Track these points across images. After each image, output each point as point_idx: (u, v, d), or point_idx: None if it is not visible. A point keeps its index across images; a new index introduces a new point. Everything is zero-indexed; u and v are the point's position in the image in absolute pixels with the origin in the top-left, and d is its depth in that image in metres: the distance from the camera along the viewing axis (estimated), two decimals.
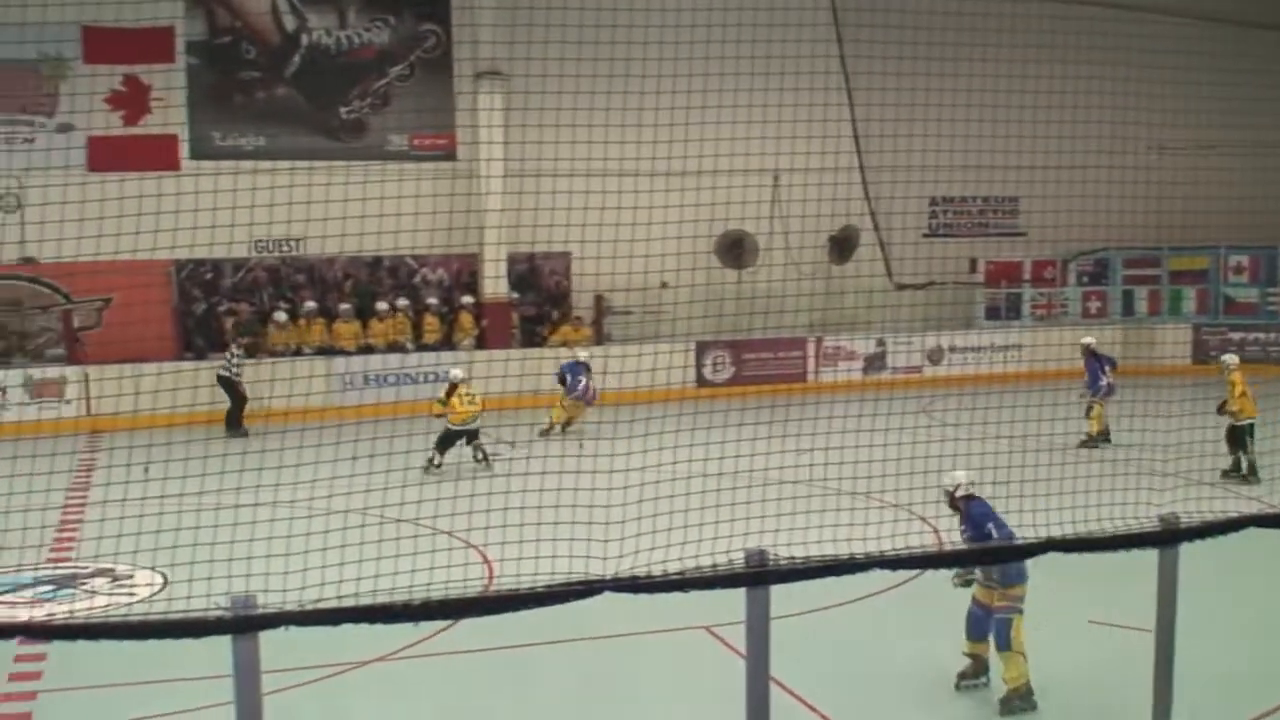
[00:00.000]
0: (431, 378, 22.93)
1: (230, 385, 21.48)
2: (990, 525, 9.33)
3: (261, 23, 25.00)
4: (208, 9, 24.59)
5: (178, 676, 9.09)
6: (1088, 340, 20.43)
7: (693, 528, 8.64)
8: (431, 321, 25.34)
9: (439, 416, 18.13)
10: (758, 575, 6.38)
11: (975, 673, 9.86)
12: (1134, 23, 22.33)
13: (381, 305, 24.96)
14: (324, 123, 25.29)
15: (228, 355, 21.99)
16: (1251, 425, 16.61)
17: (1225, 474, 16.35)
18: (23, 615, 11.16)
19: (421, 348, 24.76)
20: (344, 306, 24.81)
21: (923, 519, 12.22)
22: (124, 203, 11.64)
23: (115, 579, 12.57)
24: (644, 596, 6.10)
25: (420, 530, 12.14)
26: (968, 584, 9.30)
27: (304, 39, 25.19)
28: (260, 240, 23.98)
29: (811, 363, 26.62)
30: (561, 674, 10.47)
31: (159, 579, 12.10)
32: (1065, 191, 22.52)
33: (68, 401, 22.26)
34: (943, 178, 26.96)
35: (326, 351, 24.17)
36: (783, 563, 6.41)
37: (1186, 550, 7.04)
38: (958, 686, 9.79)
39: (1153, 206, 25.98)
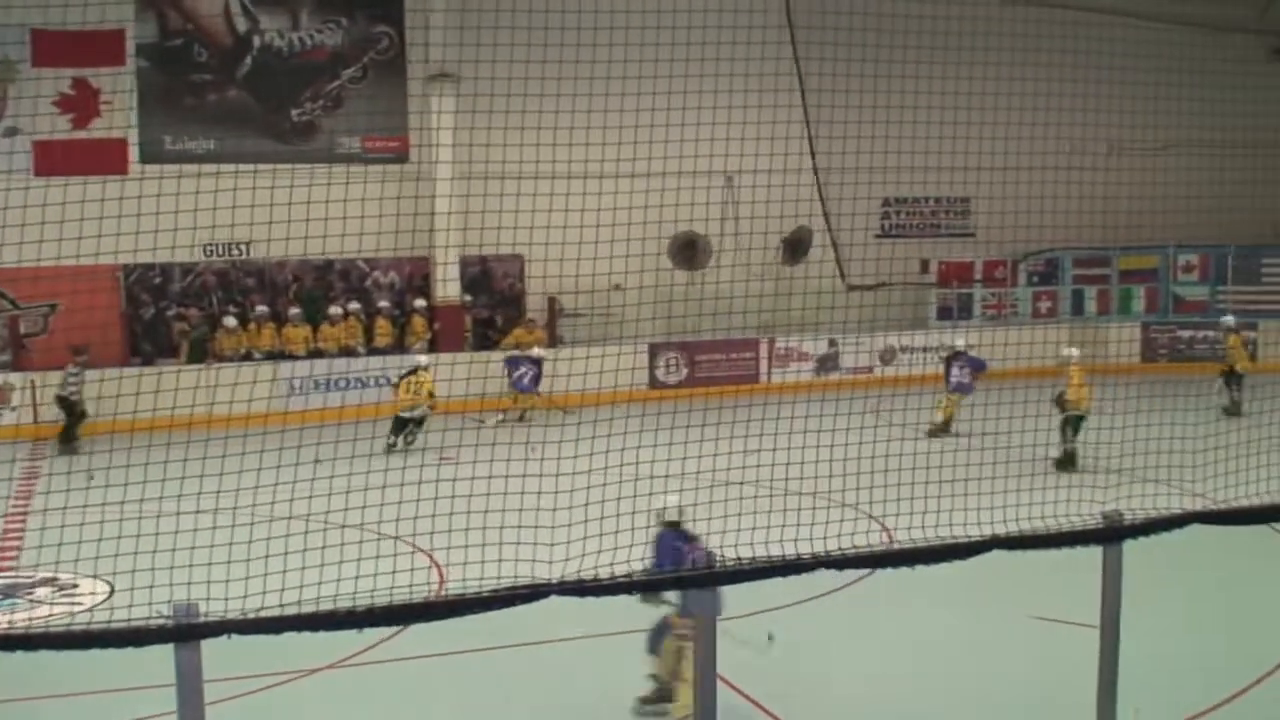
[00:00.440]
0: (383, 381, 22.85)
1: (68, 404, 20.72)
2: (667, 562, 9.45)
3: (213, 25, 24.83)
4: (159, 11, 24.40)
5: (122, 686, 9.01)
6: (959, 344, 22.01)
7: (642, 530, 8.63)
8: (383, 325, 25.24)
9: None
10: (705, 577, 6.41)
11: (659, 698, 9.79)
12: (1086, 25, 22.53)
13: (335, 310, 24.84)
14: (275, 125, 25.14)
15: (65, 373, 20.99)
16: (1081, 417, 17.74)
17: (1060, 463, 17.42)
18: None
19: (373, 351, 24.67)
20: (294, 311, 24.66)
21: (873, 518, 12.27)
22: (71, 207, 11.51)
23: (60, 588, 12.44)
24: (598, 599, 6.11)
25: (369, 536, 12.10)
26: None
27: (256, 41, 25.04)
28: (209, 244, 23.83)
29: (764, 364, 26.71)
30: (513, 678, 10.46)
31: (105, 587, 11.98)
32: (1016, 192, 22.65)
33: (13, 408, 22.04)
34: (895, 179, 27.10)
35: (277, 356, 24.02)
36: (729, 564, 6.44)
37: (1132, 546, 7.10)
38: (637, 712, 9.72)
39: (1102, 206, 26.26)
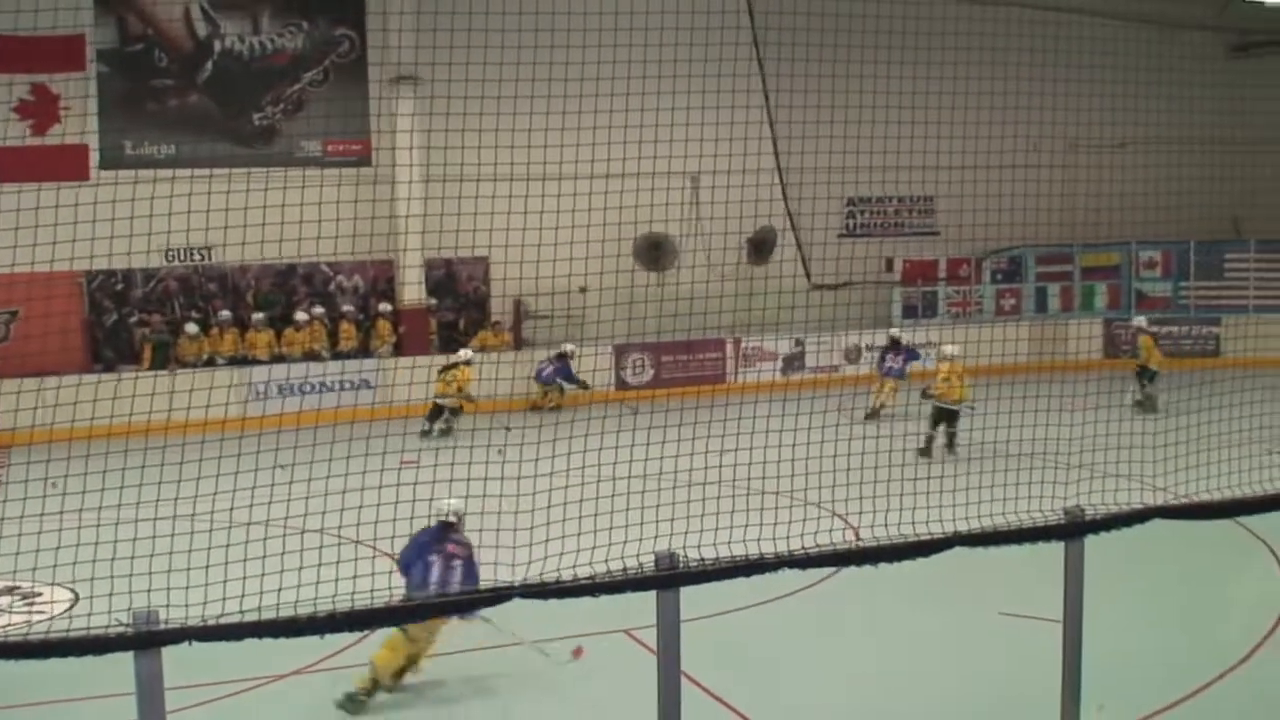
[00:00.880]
0: (348, 385, 22.78)
1: None
2: (411, 569, 9.99)
3: (174, 29, 24.65)
4: (119, 16, 24.21)
5: (89, 695, 8.95)
6: (894, 331, 23.91)
7: (604, 531, 8.63)
8: (348, 329, 25.13)
9: None
10: (668, 578, 6.40)
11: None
12: (1045, 23, 22.63)
13: (300, 315, 24.73)
14: (236, 130, 25.00)
15: None
16: (947, 410, 18.87)
17: (921, 451, 18.55)
18: None
19: (337, 356, 24.57)
20: (257, 316, 24.53)
21: (839, 516, 12.30)
22: (32, 214, 11.44)
23: (23, 597, 12.34)
24: (562, 601, 6.10)
25: (330, 541, 12.02)
26: None
27: (217, 45, 24.87)
28: (171, 250, 23.67)
29: (731, 364, 26.75)
30: (478, 681, 10.42)
31: (69, 596, 11.88)
32: (978, 191, 22.75)
33: None
34: (859, 178, 27.17)
35: (240, 361, 23.89)
36: (693, 564, 6.44)
37: (1097, 542, 7.15)
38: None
39: (1063, 204, 26.40)
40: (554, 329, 25.01)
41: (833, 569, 8.81)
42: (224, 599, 6.93)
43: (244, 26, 25.04)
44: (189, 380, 17.47)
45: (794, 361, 26.96)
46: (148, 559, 8.96)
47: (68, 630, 5.59)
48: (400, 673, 10.01)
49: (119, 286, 24.30)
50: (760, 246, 27.69)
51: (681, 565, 6.32)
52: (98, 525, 9.35)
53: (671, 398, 24.16)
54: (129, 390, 12.42)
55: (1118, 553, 7.87)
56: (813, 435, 12.03)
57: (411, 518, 8.97)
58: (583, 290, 20.57)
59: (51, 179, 20.15)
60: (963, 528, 7.08)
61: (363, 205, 23.28)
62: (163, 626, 5.49)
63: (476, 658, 10.55)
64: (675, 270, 26.21)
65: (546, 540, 8.48)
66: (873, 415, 22.02)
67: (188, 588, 7.82)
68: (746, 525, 8.54)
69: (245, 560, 8.50)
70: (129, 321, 24.33)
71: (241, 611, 5.83)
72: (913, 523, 7.70)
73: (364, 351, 24.84)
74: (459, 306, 26.79)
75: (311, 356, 24.27)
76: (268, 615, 5.72)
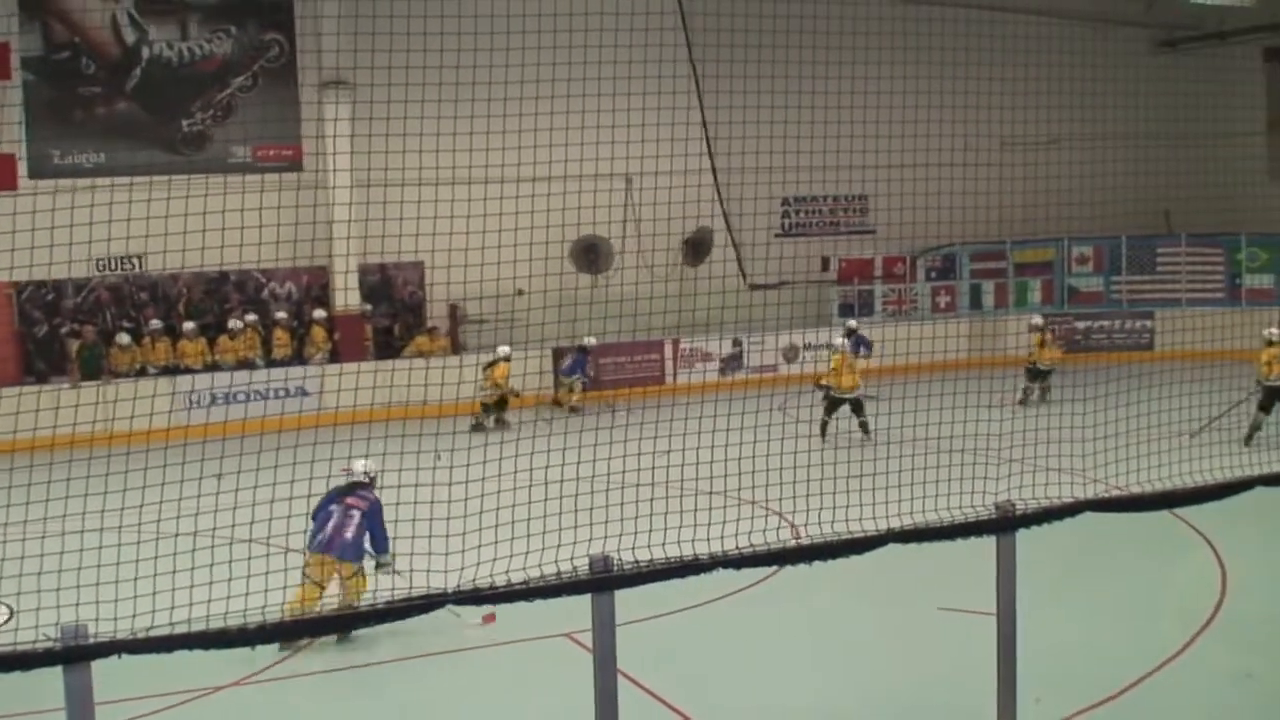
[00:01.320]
0: (283, 393, 22.58)
1: None
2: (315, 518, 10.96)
3: (100, 36, 24.34)
4: (44, 23, 23.88)
5: (20, 712, 8.82)
6: (851, 323, 24.11)
7: (538, 535, 8.60)
8: (282, 336, 24.91)
9: None
10: (601, 581, 6.39)
11: None
12: (976, 22, 22.78)
13: (235, 323, 24.49)
14: (166, 136, 24.72)
15: None
16: (840, 400, 20.07)
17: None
18: None
19: (272, 363, 24.34)
20: (188, 325, 24.26)
21: (779, 514, 12.33)
22: None
23: None
24: (503, 607, 6.07)
25: (258, 551, 11.90)
26: None
27: (145, 52, 24.58)
28: (102, 259, 23.36)
29: (669, 365, 26.78)
30: (418, 690, 10.35)
31: (3, 610, 11.71)
32: (913, 189, 22.91)
33: None
34: (794, 178, 27.29)
35: (172, 370, 23.63)
36: (628, 567, 6.43)
37: (1037, 536, 7.20)
38: None
39: (996, 201, 26.62)
40: (491, 333, 24.87)
41: (774, 568, 8.82)
42: (153, 611, 6.85)
43: (172, 32, 24.77)
44: (119, 390, 17.29)
45: (732, 362, 27.03)
46: (76, 572, 8.82)
47: None
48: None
49: (49, 297, 23.97)
50: (697, 247, 27.74)
51: (616, 568, 6.31)
52: (23, 539, 9.22)
53: (613, 399, 24.25)
54: (65, 401, 12.27)
55: (1058, 547, 7.93)
56: (752, 435, 12.06)
57: None
58: (520, 293, 20.52)
59: None
60: (896, 524, 7.12)
61: (295, 211, 23.06)
62: (91, 640, 5.41)
63: (420, 663, 10.50)
64: (612, 272, 26.18)
65: (479, 546, 8.44)
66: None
67: (116, 600, 7.72)
68: (680, 526, 8.52)
69: (174, 572, 8.39)
70: (60, 332, 24.01)
71: (172, 624, 5.76)
72: (846, 520, 7.74)
73: (299, 359, 24.63)
74: (394, 312, 26.65)
75: (245, 365, 24.03)
76: (198, 627, 5.65)
